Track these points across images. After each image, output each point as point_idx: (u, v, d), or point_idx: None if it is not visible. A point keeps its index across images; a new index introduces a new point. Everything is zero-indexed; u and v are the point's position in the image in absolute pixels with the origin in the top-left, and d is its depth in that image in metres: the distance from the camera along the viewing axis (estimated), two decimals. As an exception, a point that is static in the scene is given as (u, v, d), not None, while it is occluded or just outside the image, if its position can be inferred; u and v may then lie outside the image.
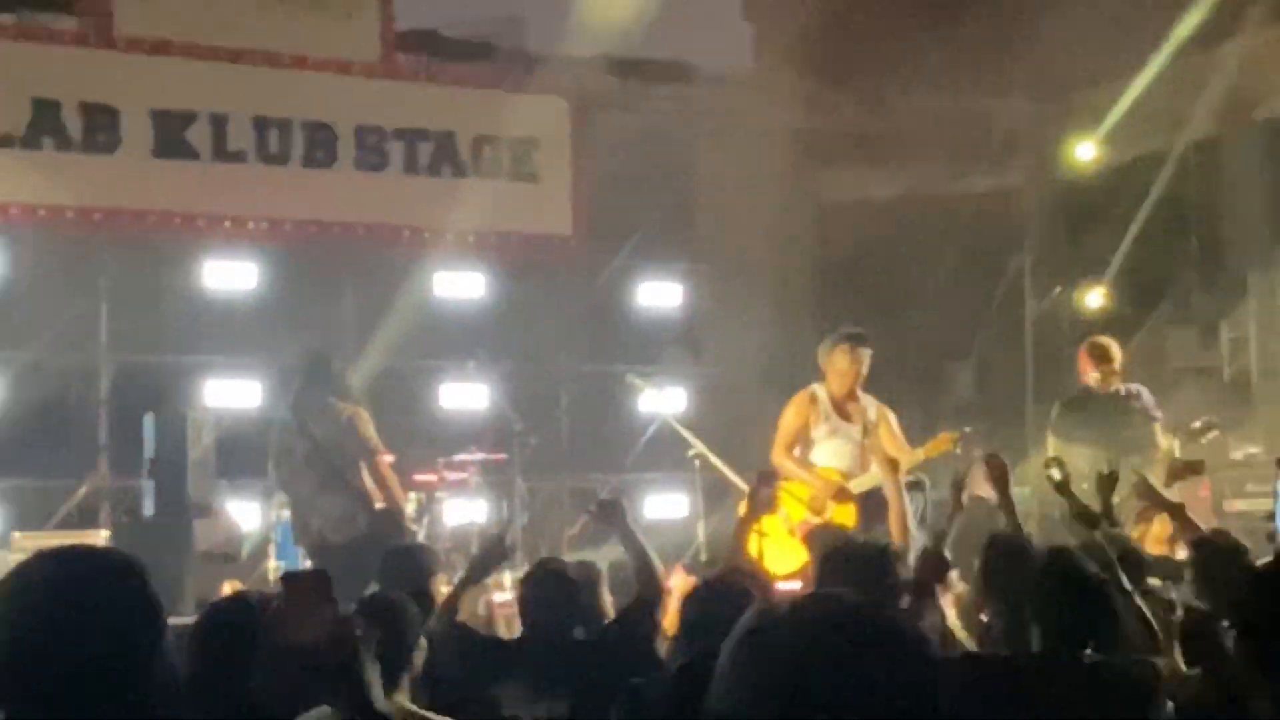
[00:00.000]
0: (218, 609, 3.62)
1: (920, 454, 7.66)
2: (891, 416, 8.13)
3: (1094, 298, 12.37)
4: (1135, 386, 8.50)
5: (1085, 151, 12.55)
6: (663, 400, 11.21)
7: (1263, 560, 4.15)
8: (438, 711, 3.99)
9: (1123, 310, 12.19)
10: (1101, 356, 8.42)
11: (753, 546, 7.43)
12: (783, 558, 7.47)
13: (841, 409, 7.98)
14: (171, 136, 10.01)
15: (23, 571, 2.10)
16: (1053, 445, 8.33)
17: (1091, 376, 8.42)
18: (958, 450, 7.62)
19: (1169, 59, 11.91)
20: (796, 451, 8.03)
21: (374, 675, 2.90)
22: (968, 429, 7.80)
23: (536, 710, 4.63)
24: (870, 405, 8.08)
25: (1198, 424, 8.49)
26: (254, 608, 3.41)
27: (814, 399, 8.00)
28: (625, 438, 11.66)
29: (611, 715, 3.84)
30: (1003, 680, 3.80)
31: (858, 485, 7.82)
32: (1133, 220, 12.30)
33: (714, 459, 8.98)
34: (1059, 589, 3.92)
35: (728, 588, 4.26)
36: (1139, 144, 12.52)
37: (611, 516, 5.37)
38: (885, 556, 4.62)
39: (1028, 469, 9.07)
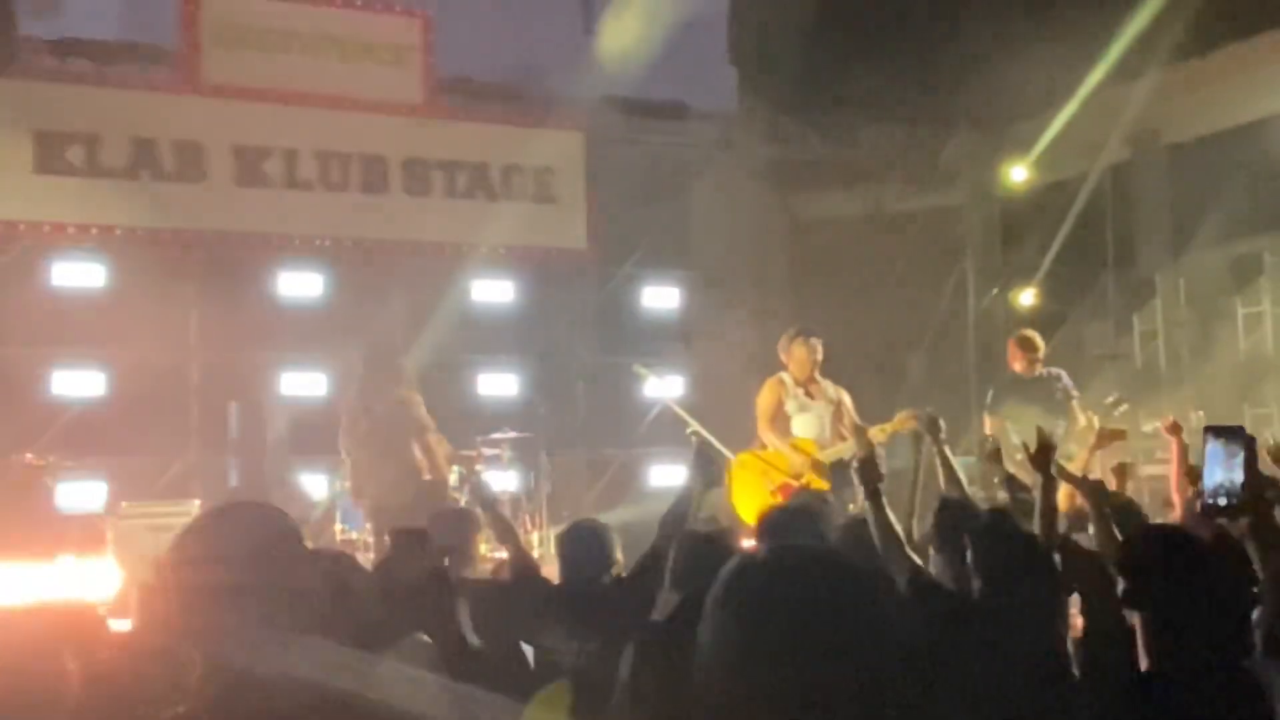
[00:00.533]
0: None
1: (888, 429, 7.79)
2: (847, 397, 8.31)
3: (1026, 297, 12.48)
4: (1056, 370, 8.60)
5: (1018, 174, 12.66)
6: (663, 387, 11.36)
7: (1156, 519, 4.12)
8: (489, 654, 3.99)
9: (1050, 307, 12.28)
10: (1027, 346, 8.54)
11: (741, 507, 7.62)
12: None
13: (806, 389, 8.15)
14: (250, 168, 10.12)
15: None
16: (988, 423, 8.46)
17: (1019, 363, 8.54)
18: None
19: (1088, 94, 12.04)
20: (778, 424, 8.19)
21: (464, 612, 2.98)
22: (929, 408, 7.91)
23: (572, 649, 4.64)
24: (829, 386, 8.26)
25: (1110, 399, 8.64)
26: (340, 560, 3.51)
27: (781, 382, 8.20)
28: (632, 418, 11.74)
29: (625, 653, 3.80)
30: (951, 614, 3.76)
31: (829, 455, 7.96)
32: (1058, 232, 12.42)
33: (707, 435, 9.11)
34: (997, 543, 3.86)
35: (712, 542, 4.19)
36: (1063, 167, 12.63)
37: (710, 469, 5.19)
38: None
39: (971, 441, 9.22)
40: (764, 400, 8.19)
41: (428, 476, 8.26)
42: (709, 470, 5.19)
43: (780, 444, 8.01)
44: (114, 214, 9.75)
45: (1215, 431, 2.61)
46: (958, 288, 13.26)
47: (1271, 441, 4.66)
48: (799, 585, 1.50)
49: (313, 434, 10.56)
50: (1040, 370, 8.46)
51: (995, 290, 12.79)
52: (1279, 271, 11.40)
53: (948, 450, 5.36)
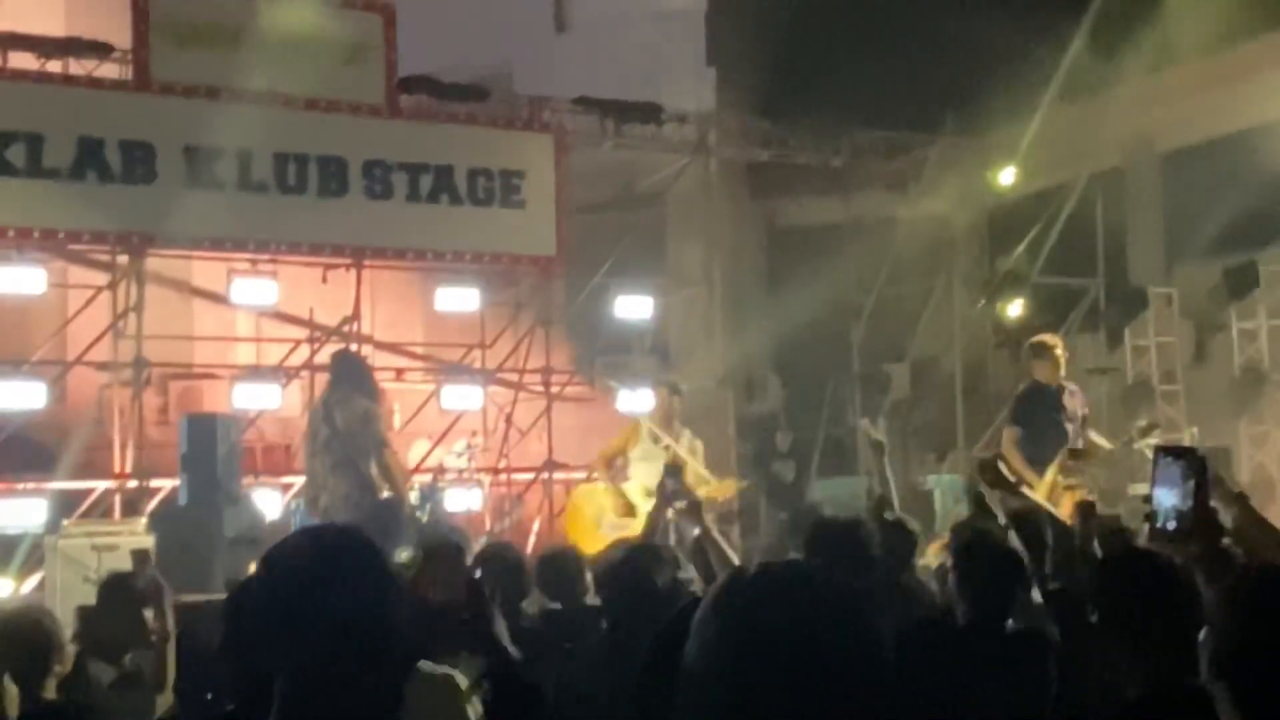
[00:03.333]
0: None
1: (711, 491, 8.16)
2: (700, 451, 9.00)
3: (1014, 308, 12.34)
4: (1073, 385, 8.41)
5: (1006, 177, 12.53)
6: (636, 400, 11.18)
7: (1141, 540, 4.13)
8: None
9: (1038, 319, 12.15)
10: (1046, 352, 8.31)
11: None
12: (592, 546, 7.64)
13: (657, 439, 8.77)
14: (201, 170, 9.87)
15: (284, 547, 2.03)
16: (1006, 438, 8.18)
17: (1043, 372, 8.28)
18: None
19: (1078, 99, 11.95)
20: (619, 464, 8.90)
21: (502, 627, 2.94)
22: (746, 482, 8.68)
23: None
24: (686, 438, 8.93)
25: (1142, 423, 8.43)
26: None
27: (637, 428, 8.96)
28: (608, 433, 11.57)
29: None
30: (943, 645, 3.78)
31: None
32: (1047, 241, 12.31)
33: (681, 452, 8.95)
34: (977, 565, 3.92)
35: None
36: (1052, 174, 12.52)
37: (696, 514, 5.32)
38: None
39: (959, 456, 9.05)
40: (615, 441, 8.96)
41: (385, 494, 8.07)
42: (671, 493, 5.27)
43: (618, 486, 8.65)
44: (57, 216, 9.47)
45: (1167, 452, 2.53)
46: (942, 298, 13.13)
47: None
48: (786, 602, 1.51)
49: (266, 449, 10.35)
50: (1064, 381, 8.24)
51: (982, 301, 12.64)
52: (1275, 283, 11.30)
53: (888, 471, 5.33)
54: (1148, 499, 2.54)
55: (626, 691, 1.82)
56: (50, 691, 3.95)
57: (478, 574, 3.86)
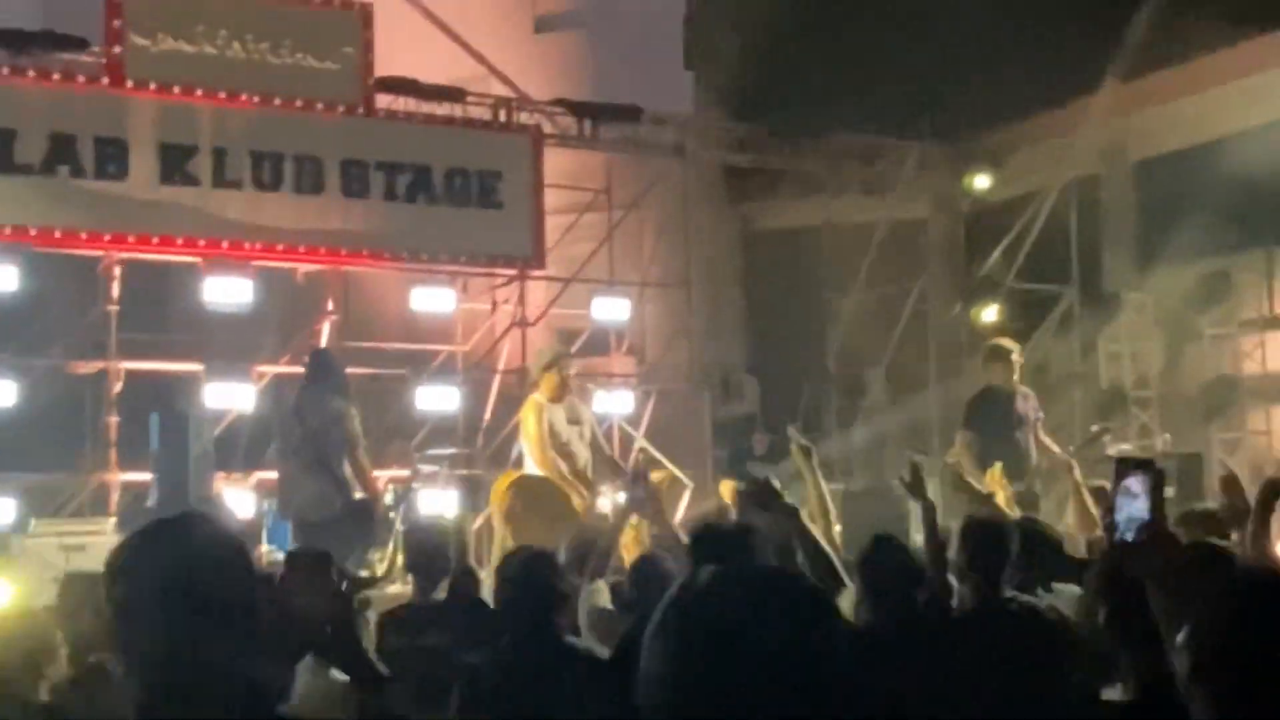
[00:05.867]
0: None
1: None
2: (589, 423, 8.55)
3: (989, 313, 12.44)
4: (1026, 389, 8.55)
5: (981, 182, 12.65)
6: (613, 402, 11.23)
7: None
8: None
9: (1013, 325, 12.24)
10: (1001, 355, 8.45)
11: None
12: (528, 536, 7.52)
13: (567, 413, 8.30)
14: (175, 167, 9.86)
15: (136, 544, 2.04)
16: (959, 442, 8.35)
17: (997, 374, 8.41)
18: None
19: (1053, 106, 12.07)
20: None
21: (367, 636, 2.95)
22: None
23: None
24: (583, 409, 8.61)
25: (1095, 428, 8.57)
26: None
27: (538, 409, 8.21)
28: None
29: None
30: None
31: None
32: (1022, 247, 12.42)
33: (656, 454, 9.00)
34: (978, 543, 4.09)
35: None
36: (1028, 181, 12.63)
37: (660, 519, 5.36)
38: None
39: (934, 461, 9.12)
40: (531, 428, 8.17)
41: (359, 494, 8.09)
42: (636, 494, 5.29)
43: (560, 475, 8.01)
44: (29, 213, 9.44)
45: (1126, 463, 2.62)
46: (918, 302, 13.22)
47: (1225, 471, 4.72)
48: (743, 609, 1.48)
49: (239, 448, 10.33)
50: (1017, 385, 8.37)
51: (958, 306, 12.74)
52: (1247, 290, 11.44)
53: (819, 476, 5.33)
54: (1108, 510, 2.60)
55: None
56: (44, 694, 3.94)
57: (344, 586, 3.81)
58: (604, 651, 3.88)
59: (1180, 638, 2.29)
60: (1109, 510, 2.59)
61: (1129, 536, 2.52)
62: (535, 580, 3.95)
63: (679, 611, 1.50)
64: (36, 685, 3.92)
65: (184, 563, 1.96)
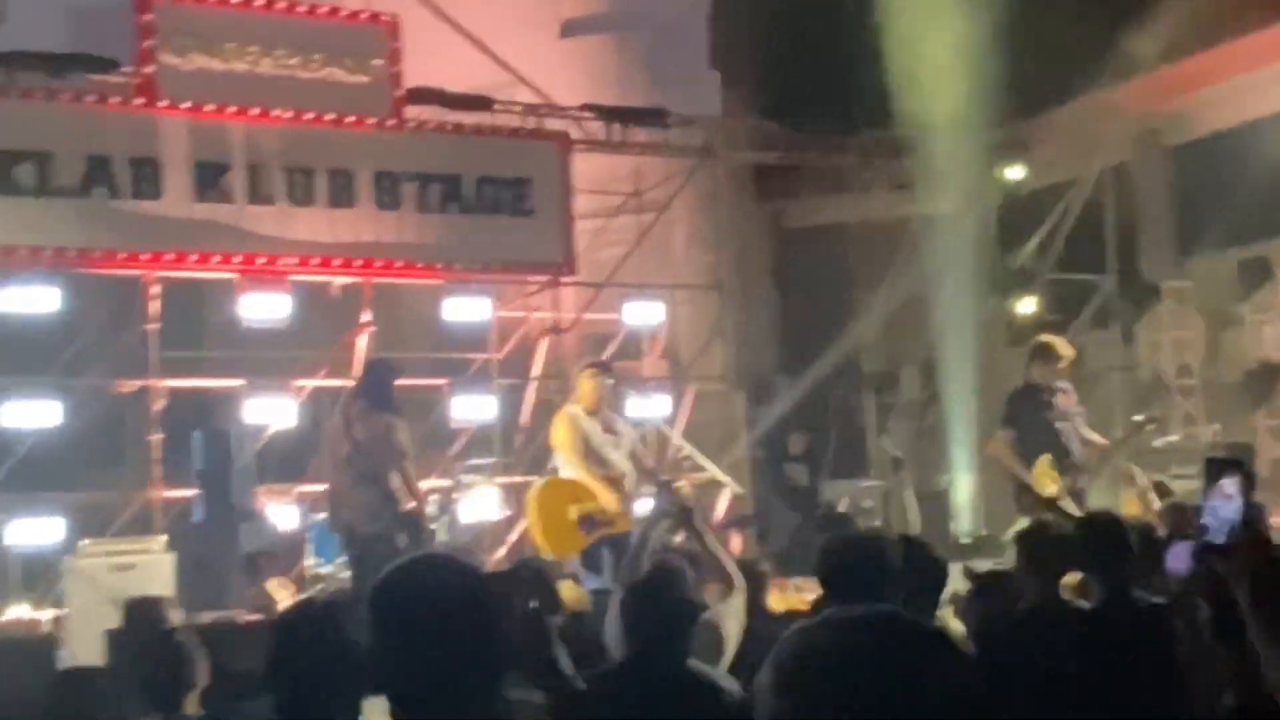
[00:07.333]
0: (294, 614, 3.56)
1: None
2: (628, 436, 8.20)
3: (1025, 305, 12.39)
4: (1066, 384, 8.53)
5: (1014, 173, 12.60)
6: (649, 406, 11.24)
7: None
8: None
9: (1050, 316, 12.21)
10: (1049, 353, 8.43)
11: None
12: (564, 542, 7.64)
13: (603, 425, 8.02)
14: (209, 184, 9.93)
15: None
16: (1000, 441, 8.35)
17: (1040, 371, 8.40)
18: None
19: (1085, 93, 12.02)
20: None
21: (564, 655, 3.01)
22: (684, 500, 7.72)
23: None
24: (621, 421, 8.29)
25: (1139, 418, 8.54)
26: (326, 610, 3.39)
27: (573, 421, 7.95)
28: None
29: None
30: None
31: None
32: (1057, 237, 12.38)
33: (700, 458, 9.01)
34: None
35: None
36: (1061, 170, 12.59)
37: (688, 519, 5.31)
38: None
39: (976, 459, 9.12)
40: (564, 435, 7.96)
41: (409, 505, 8.13)
42: (666, 504, 5.21)
43: (593, 478, 7.79)
44: (67, 235, 9.53)
45: (1216, 464, 2.58)
46: (953, 297, 13.18)
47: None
48: (867, 661, 1.38)
49: (281, 463, 10.41)
50: (1061, 381, 8.35)
51: (993, 300, 12.70)
52: (1289, 274, 11.37)
53: (708, 538, 5.23)
54: (1198, 512, 2.58)
55: None
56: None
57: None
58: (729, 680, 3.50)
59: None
60: (1199, 511, 2.57)
61: (1220, 539, 2.50)
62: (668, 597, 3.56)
63: (798, 667, 1.47)
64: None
65: (438, 595, 2.05)
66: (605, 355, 11.58)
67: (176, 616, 5.91)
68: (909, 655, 1.45)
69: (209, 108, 9.93)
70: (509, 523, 10.72)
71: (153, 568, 8.28)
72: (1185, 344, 11.94)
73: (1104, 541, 4.18)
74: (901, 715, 1.40)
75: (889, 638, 1.48)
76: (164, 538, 8.79)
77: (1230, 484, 2.49)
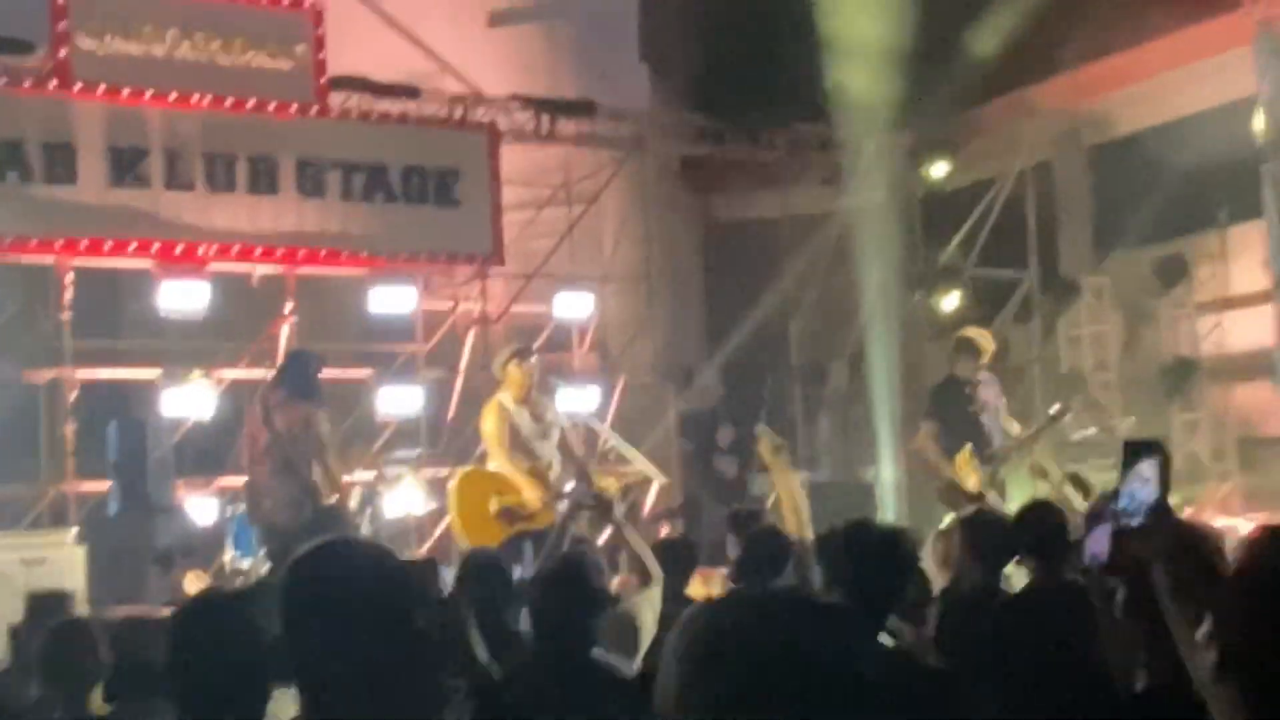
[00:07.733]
0: (195, 605, 3.51)
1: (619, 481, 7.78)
2: (555, 419, 8.05)
3: (949, 301, 12.52)
4: (989, 375, 8.65)
5: (938, 170, 12.74)
6: (578, 399, 11.20)
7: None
8: None
9: (973, 311, 12.33)
10: (971, 348, 8.54)
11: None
12: (484, 534, 7.47)
13: (531, 412, 7.87)
14: (125, 170, 9.75)
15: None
16: (922, 432, 8.47)
17: (964, 367, 8.51)
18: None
19: (1007, 92, 12.18)
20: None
21: (481, 645, 3.00)
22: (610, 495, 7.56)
23: None
24: (551, 407, 8.08)
25: (1053, 409, 8.69)
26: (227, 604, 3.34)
27: (500, 409, 7.80)
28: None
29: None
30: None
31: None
32: (980, 234, 12.53)
33: (628, 450, 8.99)
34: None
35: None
36: (984, 167, 12.74)
37: (607, 515, 5.30)
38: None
39: (901, 452, 9.21)
40: (491, 427, 7.79)
41: (331, 499, 8.03)
42: (583, 497, 5.22)
43: (517, 471, 7.65)
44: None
45: (1134, 446, 2.60)
46: (879, 292, 13.30)
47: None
48: (766, 633, 1.45)
49: (199, 455, 10.24)
50: (983, 375, 8.48)
51: (917, 294, 12.83)
52: (1203, 271, 11.60)
53: (627, 531, 5.26)
54: (1114, 495, 2.59)
55: None
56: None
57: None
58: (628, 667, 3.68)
59: (1202, 631, 2.25)
60: (1115, 494, 2.58)
61: (1136, 521, 2.51)
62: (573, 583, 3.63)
63: (699, 637, 1.49)
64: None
65: (352, 581, 1.98)
66: (535, 347, 11.54)
67: (83, 610, 5.79)
68: (808, 628, 1.48)
69: (126, 92, 9.75)
70: (434, 517, 10.64)
71: (64, 562, 8.12)
72: (1103, 339, 12.15)
73: (1042, 528, 4.29)
74: (796, 683, 1.44)
75: (788, 612, 1.51)
76: (76, 531, 8.62)
77: (1148, 467, 2.50)
